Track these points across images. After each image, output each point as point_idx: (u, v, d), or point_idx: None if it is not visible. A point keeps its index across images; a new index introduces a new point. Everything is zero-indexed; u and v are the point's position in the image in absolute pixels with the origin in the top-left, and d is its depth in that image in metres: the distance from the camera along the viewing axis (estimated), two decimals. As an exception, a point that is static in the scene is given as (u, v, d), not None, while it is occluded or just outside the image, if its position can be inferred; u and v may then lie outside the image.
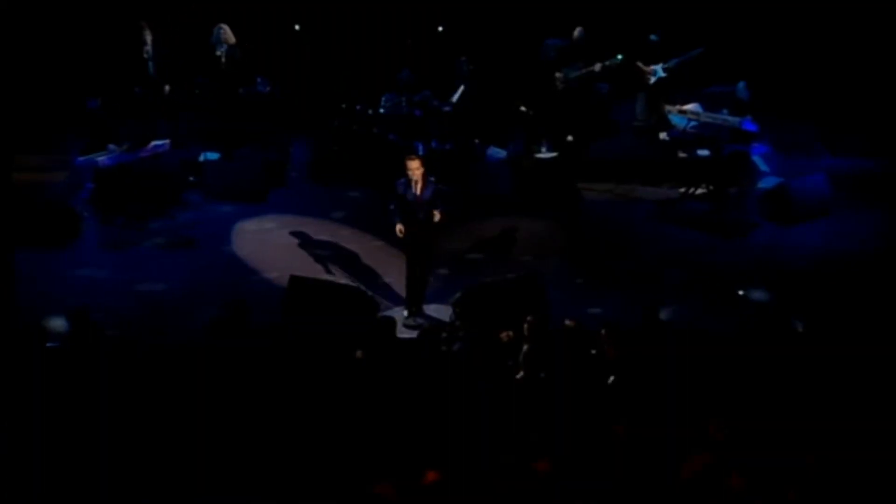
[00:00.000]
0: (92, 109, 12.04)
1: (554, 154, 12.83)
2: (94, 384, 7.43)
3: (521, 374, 7.80)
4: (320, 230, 11.66)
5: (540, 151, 12.95)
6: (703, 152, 12.41)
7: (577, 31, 13.11)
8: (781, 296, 9.68)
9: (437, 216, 9.48)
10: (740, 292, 9.95)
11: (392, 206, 9.57)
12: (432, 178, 9.62)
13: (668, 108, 12.55)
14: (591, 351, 7.97)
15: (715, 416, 6.83)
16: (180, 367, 7.84)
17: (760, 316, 9.34)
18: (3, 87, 11.14)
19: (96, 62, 12.93)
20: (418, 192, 9.49)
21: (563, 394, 7.39)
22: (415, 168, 9.47)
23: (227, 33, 12.70)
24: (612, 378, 7.57)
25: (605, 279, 10.49)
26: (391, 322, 8.45)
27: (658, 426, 6.99)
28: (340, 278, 10.41)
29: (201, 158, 12.64)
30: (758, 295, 9.73)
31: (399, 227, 9.50)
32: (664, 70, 13.04)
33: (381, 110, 13.03)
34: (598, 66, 12.90)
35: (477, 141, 13.20)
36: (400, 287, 10.13)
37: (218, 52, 12.69)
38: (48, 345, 8.18)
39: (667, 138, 12.92)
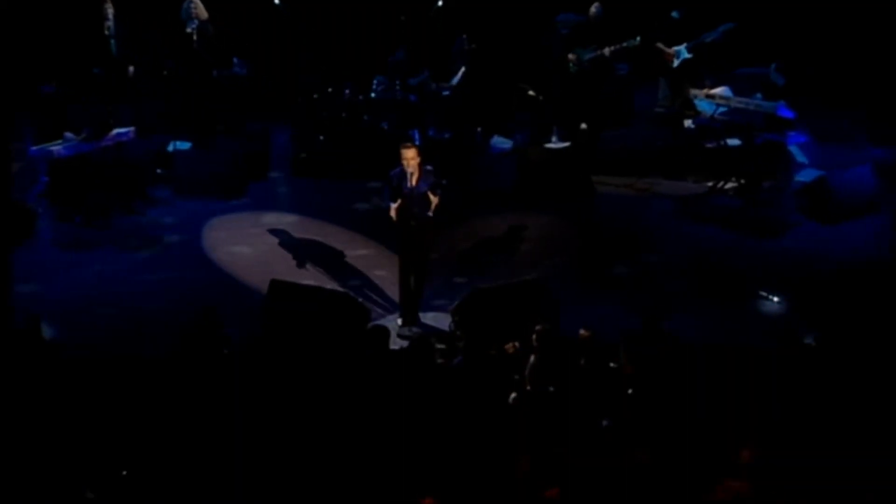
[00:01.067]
0: (46, 93, 12.01)
1: (565, 144, 12.82)
2: (48, 401, 7.41)
3: (528, 389, 7.78)
4: (304, 228, 11.62)
5: (549, 141, 12.94)
6: (734, 142, 12.38)
7: (593, 8, 13.09)
8: (820, 303, 9.64)
9: (433, 200, 9.45)
10: (775, 299, 9.91)
11: (386, 191, 9.57)
12: (429, 168, 9.60)
13: (693, 92, 12.52)
14: (608, 364, 7.95)
15: (745, 438, 6.81)
16: (145, 382, 7.81)
17: (790, 326, 9.32)
18: None
19: (51, 40, 12.90)
20: (414, 183, 9.48)
21: (576, 412, 7.37)
22: (410, 158, 9.45)
23: (199, 7, 12.68)
24: (630, 391, 7.56)
25: (622, 284, 10.46)
26: (384, 332, 8.42)
27: (683, 449, 6.97)
28: (326, 283, 10.39)
29: (170, 148, 12.61)
30: (781, 302, 9.70)
31: (393, 207, 9.46)
32: (689, 51, 13.02)
33: (373, 95, 13.02)
34: (607, 51, 12.88)
35: (479, 129, 13.17)
36: (393, 292, 10.11)
37: (188, 29, 12.66)
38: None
39: (692, 126, 12.90)
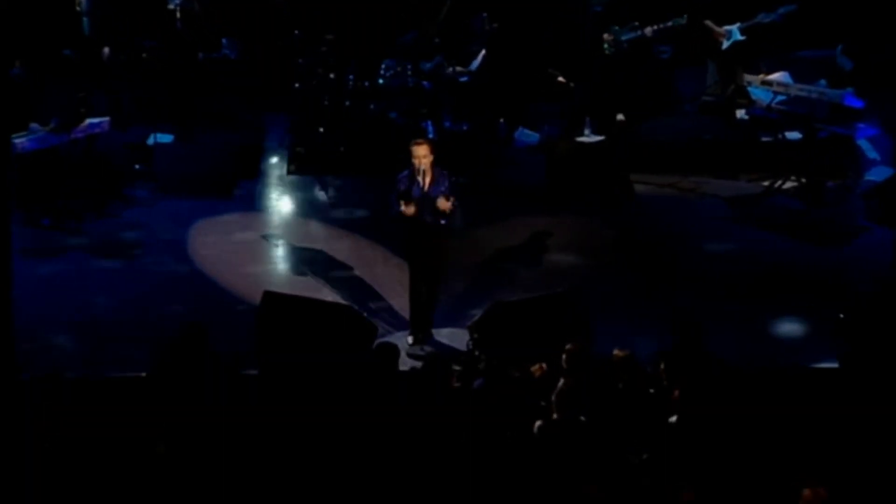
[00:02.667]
0: (10, 77, 12.05)
1: (599, 138, 12.82)
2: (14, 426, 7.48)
3: (556, 416, 7.79)
4: (302, 232, 11.66)
5: (582, 134, 12.94)
6: (793, 135, 12.36)
7: (633, -20, 13.15)
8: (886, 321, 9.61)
9: (445, 204, 9.45)
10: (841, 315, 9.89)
11: (392, 198, 9.58)
12: (445, 171, 9.63)
13: (747, 78, 12.51)
14: (648, 389, 7.95)
15: (806, 475, 6.81)
16: (122, 406, 7.86)
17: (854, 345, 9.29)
18: None
19: (14, 17, 12.94)
20: (426, 185, 9.49)
21: (611, 444, 7.37)
22: (422, 155, 9.47)
23: (184, -18, 12.76)
24: (673, 419, 7.57)
25: (664, 297, 10.46)
26: (392, 350, 8.44)
27: (733, 489, 6.97)
28: (327, 294, 10.42)
29: (150, 141, 12.67)
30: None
31: (406, 208, 9.43)
32: (742, 31, 13.01)
33: (381, 81, 13.05)
34: (649, 31, 12.89)
35: (501, 121, 13.19)
36: (403, 305, 10.13)
37: (171, 6, 12.71)
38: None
39: (746, 117, 12.89)
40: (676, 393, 7.64)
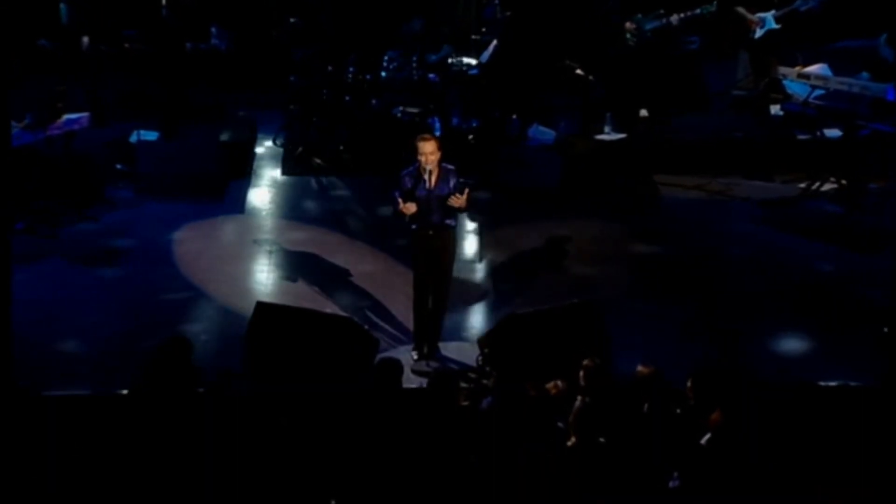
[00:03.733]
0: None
1: (621, 135, 12.81)
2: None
3: (574, 439, 7.75)
4: (298, 237, 11.64)
5: (602, 132, 12.94)
6: (833, 132, 12.33)
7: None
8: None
9: (459, 201, 9.40)
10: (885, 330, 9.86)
11: (396, 196, 9.52)
12: (452, 167, 9.60)
13: (782, 70, 12.51)
14: (674, 409, 7.91)
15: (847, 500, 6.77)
16: (101, 425, 7.84)
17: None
18: None
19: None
20: (432, 184, 9.47)
21: (634, 468, 7.33)
22: (429, 152, 9.45)
23: (170, -34, 12.78)
24: (703, 441, 7.54)
25: (690, 308, 10.42)
26: (396, 366, 8.41)
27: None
28: (325, 305, 10.40)
29: (133, 139, 12.68)
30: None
31: (405, 207, 9.38)
32: (777, 20, 12.99)
33: (383, 74, 13.05)
34: (675, 18, 12.87)
35: (514, 117, 13.17)
36: (407, 318, 10.10)
37: (157, -8, 12.77)
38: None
39: (780, 113, 12.87)
40: (716, 415, 7.58)
